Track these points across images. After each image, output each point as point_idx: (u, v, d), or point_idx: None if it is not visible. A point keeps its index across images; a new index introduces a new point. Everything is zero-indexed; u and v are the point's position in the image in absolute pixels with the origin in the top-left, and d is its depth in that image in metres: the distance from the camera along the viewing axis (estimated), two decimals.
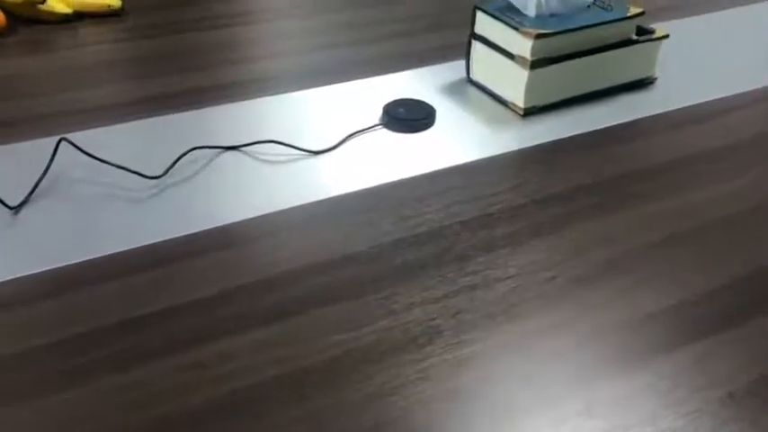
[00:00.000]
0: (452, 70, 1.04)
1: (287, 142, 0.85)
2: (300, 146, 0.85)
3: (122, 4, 1.18)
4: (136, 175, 0.78)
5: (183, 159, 0.81)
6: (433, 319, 0.62)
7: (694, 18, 1.25)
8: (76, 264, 0.67)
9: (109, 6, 1.17)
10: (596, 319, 0.63)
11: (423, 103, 0.94)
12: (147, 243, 0.70)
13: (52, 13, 1.14)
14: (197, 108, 0.92)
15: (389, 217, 0.75)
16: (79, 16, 1.16)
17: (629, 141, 0.89)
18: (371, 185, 0.80)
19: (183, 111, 0.92)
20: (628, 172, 0.83)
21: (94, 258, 0.68)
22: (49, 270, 0.67)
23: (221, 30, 1.15)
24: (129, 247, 0.70)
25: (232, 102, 0.94)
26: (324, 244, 0.71)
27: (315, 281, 0.66)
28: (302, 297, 0.64)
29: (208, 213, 0.74)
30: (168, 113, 0.91)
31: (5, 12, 1.12)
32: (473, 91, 0.99)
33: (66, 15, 1.14)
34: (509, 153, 0.86)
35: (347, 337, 0.60)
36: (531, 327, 0.62)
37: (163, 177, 0.78)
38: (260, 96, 0.96)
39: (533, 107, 0.94)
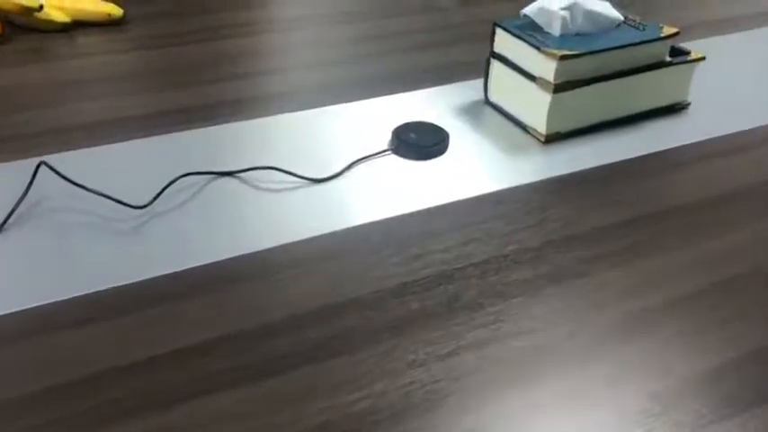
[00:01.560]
0: (471, 89, 0.97)
1: (286, 168, 0.78)
2: (300, 173, 0.78)
3: (123, 14, 1.12)
4: (120, 204, 0.71)
5: (172, 186, 0.74)
6: (437, 381, 0.55)
7: (730, 36, 1.17)
8: (50, 304, 0.61)
9: (109, 15, 1.11)
10: (618, 389, 0.55)
11: (435, 126, 0.87)
12: (128, 282, 0.64)
13: (49, 22, 1.08)
14: (192, 128, 0.86)
15: (395, 256, 0.68)
16: (78, 25, 1.11)
17: (660, 175, 0.81)
18: (377, 219, 0.73)
19: (176, 131, 0.85)
20: (658, 211, 0.75)
21: (71, 299, 0.62)
22: (20, 311, 0.60)
23: (225, 41, 1.09)
24: (108, 286, 0.63)
25: (230, 122, 0.88)
26: (320, 288, 0.64)
27: (307, 332, 0.59)
28: (292, 351, 0.57)
29: (195, 249, 0.68)
30: (160, 133, 0.85)
31: (0, 19, 1.06)
32: (491, 114, 0.92)
33: (64, 24, 1.09)
34: (528, 185, 0.79)
35: (338, 402, 0.53)
36: (546, 396, 0.54)
37: (149, 207, 0.72)
38: (260, 116, 0.89)
39: (556, 133, 0.86)
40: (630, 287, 0.65)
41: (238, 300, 0.62)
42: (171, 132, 0.85)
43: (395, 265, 0.67)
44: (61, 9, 1.09)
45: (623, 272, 0.67)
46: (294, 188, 0.76)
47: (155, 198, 0.72)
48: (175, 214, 0.72)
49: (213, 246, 0.68)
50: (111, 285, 0.63)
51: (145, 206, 0.72)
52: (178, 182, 0.75)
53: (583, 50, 0.82)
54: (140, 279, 0.64)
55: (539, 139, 0.87)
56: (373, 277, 0.65)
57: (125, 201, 0.71)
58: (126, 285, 0.63)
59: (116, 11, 1.11)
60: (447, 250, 0.69)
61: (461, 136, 0.87)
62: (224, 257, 0.67)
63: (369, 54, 1.07)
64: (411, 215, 0.74)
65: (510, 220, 0.73)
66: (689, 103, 0.94)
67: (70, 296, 0.62)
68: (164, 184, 0.74)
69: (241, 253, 0.67)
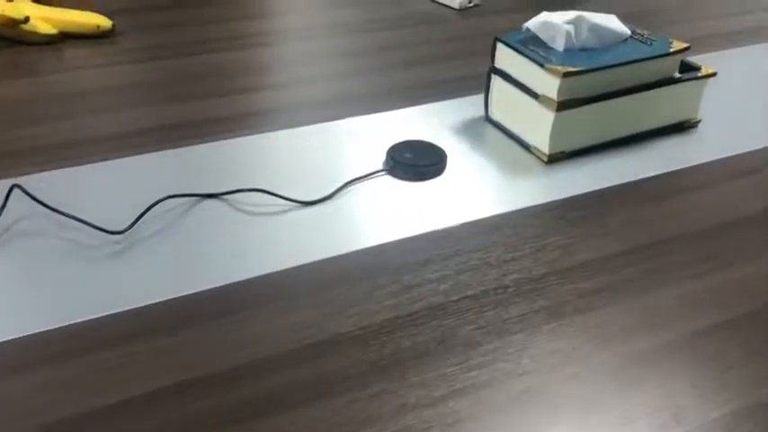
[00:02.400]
0: (471, 105, 0.93)
1: (274, 191, 0.74)
2: (289, 195, 0.74)
3: (113, 25, 1.08)
4: (96, 230, 0.68)
5: (153, 210, 0.71)
6: (428, 428, 0.51)
7: (742, 49, 1.13)
8: (13, 341, 0.57)
9: (98, 27, 1.07)
10: None
11: (433, 145, 0.83)
12: (100, 315, 0.60)
13: (35, 34, 1.04)
14: (180, 146, 0.82)
15: (387, 287, 0.64)
16: (66, 37, 1.07)
17: (670, 198, 0.77)
18: (369, 245, 0.69)
19: (163, 149, 0.82)
20: (668, 237, 0.71)
21: (38, 333, 0.58)
22: None
23: (218, 54, 1.05)
24: (80, 320, 0.59)
25: (219, 139, 0.84)
26: (305, 322, 0.60)
27: (289, 373, 0.55)
28: (271, 395, 0.53)
29: (175, 279, 0.64)
30: (147, 152, 0.81)
31: None
32: (492, 132, 0.88)
33: (51, 36, 1.05)
34: (529, 208, 0.75)
35: None
36: None
37: (127, 232, 0.68)
38: (251, 134, 0.85)
39: (560, 153, 0.82)
40: (636, 323, 0.60)
41: (219, 336, 0.58)
42: (158, 151, 0.81)
43: (386, 296, 0.63)
44: (48, 21, 1.05)
45: (628, 306, 0.62)
46: (282, 211, 0.73)
47: (133, 223, 0.69)
48: (156, 240, 0.68)
49: (194, 275, 0.64)
50: (83, 318, 0.59)
51: (123, 231, 0.68)
52: (160, 205, 0.71)
53: (588, 67, 0.78)
54: (114, 312, 0.60)
55: (541, 159, 0.83)
56: (362, 310, 0.61)
57: (102, 226, 0.68)
58: (99, 319, 0.59)
59: (105, 22, 1.08)
60: (442, 280, 0.65)
61: (460, 155, 0.83)
62: (206, 288, 0.63)
63: (365, 68, 1.03)
64: (405, 241, 0.70)
65: (510, 247, 0.69)
66: (699, 121, 0.90)
67: (30, 332, 0.58)
68: (146, 207, 0.70)
69: (224, 283, 0.64)
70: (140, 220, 0.69)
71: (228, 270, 0.65)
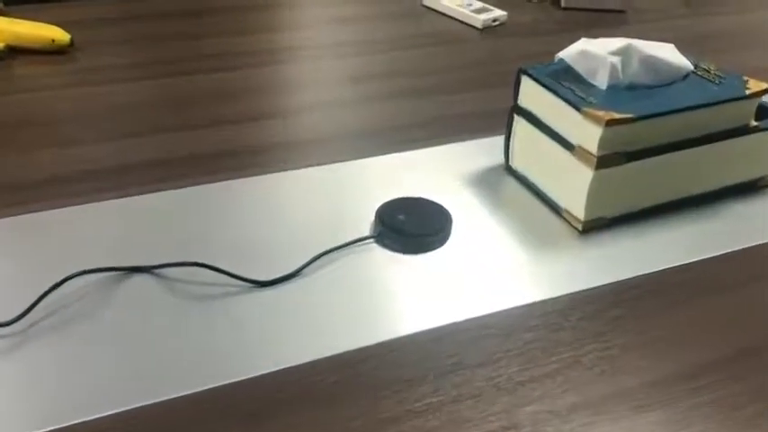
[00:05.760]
0: (489, 150, 0.75)
1: (222, 263, 0.57)
2: (241, 270, 0.57)
3: (71, 39, 0.92)
4: None
5: (59, 290, 0.54)
6: None
7: None
8: None
9: (53, 41, 0.91)
10: None
11: (435, 205, 0.65)
12: None
13: None
14: (111, 197, 0.65)
15: (356, 420, 0.46)
16: (15, 52, 0.91)
17: (741, 288, 0.59)
18: (336, 352, 0.51)
19: (98, 199, 0.65)
20: (743, 348, 0.53)
21: None
22: None
23: (191, 77, 0.88)
24: None
25: (164, 189, 0.67)
26: None
27: None
28: None
29: (70, 397, 0.47)
30: (74, 204, 0.64)
31: None
32: (512, 186, 0.70)
33: None
34: (556, 301, 0.57)
35: None
36: None
37: (19, 323, 0.51)
38: (202, 183, 0.68)
39: (598, 220, 0.64)
40: None
41: None
42: (88, 202, 0.64)
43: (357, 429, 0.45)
44: None
45: None
46: (229, 294, 0.55)
47: (28, 310, 0.52)
48: (56, 335, 0.51)
49: (101, 393, 0.47)
50: None
51: (11, 322, 0.51)
52: (70, 283, 0.54)
53: (638, 113, 0.60)
54: None
55: (575, 227, 0.64)
56: None
57: None
58: None
59: (62, 36, 0.92)
60: (433, 411, 0.47)
61: (469, 219, 0.65)
62: (112, 411, 0.46)
63: (361, 98, 0.85)
64: (386, 347, 0.52)
65: (528, 360, 0.51)
66: None
67: None
68: (50, 285, 0.53)
69: (136, 405, 0.47)
70: (39, 305, 0.52)
71: (148, 384, 0.48)
